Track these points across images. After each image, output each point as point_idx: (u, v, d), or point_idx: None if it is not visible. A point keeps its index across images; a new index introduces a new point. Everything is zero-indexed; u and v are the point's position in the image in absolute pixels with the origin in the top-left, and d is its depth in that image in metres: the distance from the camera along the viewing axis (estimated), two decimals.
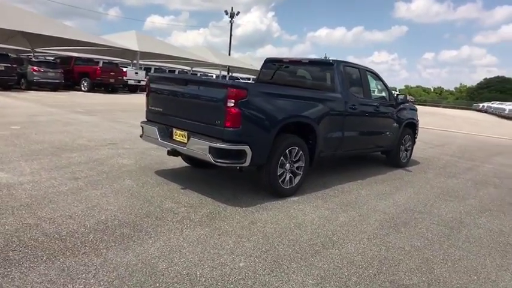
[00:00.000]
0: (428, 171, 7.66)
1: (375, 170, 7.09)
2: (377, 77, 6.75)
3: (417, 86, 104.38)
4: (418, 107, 9.07)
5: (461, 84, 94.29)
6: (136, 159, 6.23)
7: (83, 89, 22.34)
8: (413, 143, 7.98)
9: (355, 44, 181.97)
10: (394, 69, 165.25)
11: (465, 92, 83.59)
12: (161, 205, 4.23)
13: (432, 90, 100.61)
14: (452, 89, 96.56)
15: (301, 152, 4.94)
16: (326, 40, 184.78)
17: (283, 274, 2.99)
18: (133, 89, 26.34)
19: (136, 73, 25.98)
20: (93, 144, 7.15)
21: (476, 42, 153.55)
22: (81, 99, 17.52)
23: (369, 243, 3.72)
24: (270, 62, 6.65)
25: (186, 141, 4.63)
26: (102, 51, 29.49)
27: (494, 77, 74.32)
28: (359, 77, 6.15)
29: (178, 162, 6.17)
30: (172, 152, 4.79)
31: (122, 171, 5.45)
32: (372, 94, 6.76)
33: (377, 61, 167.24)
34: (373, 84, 6.47)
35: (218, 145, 4.17)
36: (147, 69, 28.66)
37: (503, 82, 69.99)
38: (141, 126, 5.30)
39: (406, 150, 7.67)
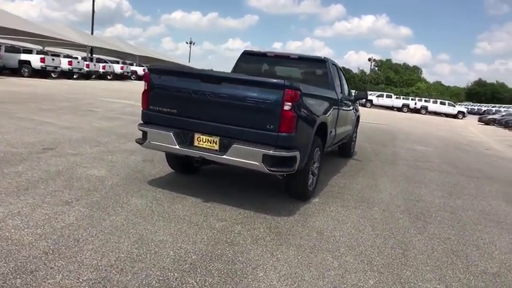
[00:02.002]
0: (372, 159, 8.43)
1: (335, 162, 7.44)
2: (343, 73, 7.03)
3: None
4: None
5: None
6: (106, 169, 5.12)
7: None
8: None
9: (211, 29, 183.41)
10: None
11: None
12: (213, 226, 3.61)
13: None
14: None
15: (319, 152, 4.85)
16: (181, 23, 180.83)
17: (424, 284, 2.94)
18: None
19: None
20: (24, 150, 5.57)
21: (316, 35, 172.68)
22: None
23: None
24: (249, 55, 6.21)
25: (216, 148, 4.03)
26: None
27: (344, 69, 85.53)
28: (337, 73, 6.30)
29: (156, 169, 5.36)
30: (201, 161, 4.08)
31: (107, 186, 4.42)
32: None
33: (232, 48, 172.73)
34: (343, 80, 6.71)
35: (274, 153, 3.75)
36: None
37: (346, 73, 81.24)
38: (143, 130, 4.33)
39: (354, 141, 8.27)
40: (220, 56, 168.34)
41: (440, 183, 6.70)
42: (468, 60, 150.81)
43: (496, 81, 78.85)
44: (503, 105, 52.62)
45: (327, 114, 4.99)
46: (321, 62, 5.80)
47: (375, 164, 7.82)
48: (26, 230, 3.10)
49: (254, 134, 3.85)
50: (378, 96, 41.16)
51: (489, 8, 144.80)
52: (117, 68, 32.63)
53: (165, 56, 58.50)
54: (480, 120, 33.73)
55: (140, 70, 37.41)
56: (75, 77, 26.35)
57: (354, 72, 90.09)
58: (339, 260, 3.22)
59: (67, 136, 6.90)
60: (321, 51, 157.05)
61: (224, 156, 3.91)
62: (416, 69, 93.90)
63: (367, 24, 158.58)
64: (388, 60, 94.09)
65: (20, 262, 2.63)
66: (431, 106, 40.65)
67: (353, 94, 7.55)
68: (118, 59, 38.17)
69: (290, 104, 3.72)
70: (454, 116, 39.24)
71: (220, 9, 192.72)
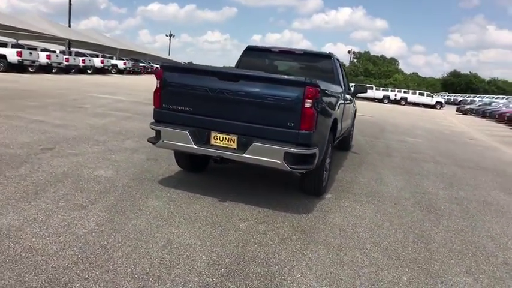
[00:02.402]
0: (369, 151, 8.53)
1: (336, 155, 7.47)
2: (343, 67, 7.04)
3: None
4: None
5: None
6: (112, 169, 4.97)
7: None
8: None
9: (189, 22, 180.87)
10: (227, 49, 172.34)
11: None
12: (237, 226, 3.56)
13: None
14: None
15: (330, 147, 4.85)
16: (159, 16, 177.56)
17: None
18: None
19: None
20: (21, 151, 5.34)
21: (294, 27, 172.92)
22: None
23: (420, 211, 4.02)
24: (252, 51, 6.12)
25: (234, 147, 3.97)
26: None
27: None
28: (339, 68, 6.30)
29: (163, 168, 5.25)
30: (220, 160, 4.00)
31: (119, 187, 4.29)
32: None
33: (211, 40, 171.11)
34: (344, 74, 6.70)
35: (295, 150, 3.71)
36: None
37: None
38: (156, 130, 4.21)
39: (351, 134, 8.33)
40: (199, 49, 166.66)
41: (439, 175, 6.84)
42: (442, 51, 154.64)
43: (470, 72, 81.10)
44: (478, 95, 54.18)
45: (337, 110, 4.99)
46: (327, 57, 5.78)
47: (373, 157, 7.90)
48: (47, 239, 2.97)
49: (274, 132, 3.80)
50: None
51: (460, 0, 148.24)
52: (97, 62, 31.69)
53: (146, 49, 57.42)
54: (458, 110, 34.68)
55: (121, 64, 36.56)
56: (53, 71, 25.46)
57: None
58: (368, 257, 3.24)
59: (62, 135, 6.66)
60: (300, 43, 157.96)
61: (244, 155, 3.85)
62: (393, 61, 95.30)
63: (344, 17, 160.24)
64: (367, 53, 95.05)
65: (51, 274, 2.52)
66: (411, 97, 41.47)
67: (351, 88, 7.59)
68: (97, 53, 37.12)
69: (311, 101, 3.69)
70: (432, 107, 40.20)
71: (198, 1, 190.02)
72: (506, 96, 43.49)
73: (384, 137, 11.57)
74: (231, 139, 3.97)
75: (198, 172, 5.18)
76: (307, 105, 3.68)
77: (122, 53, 43.17)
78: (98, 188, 4.21)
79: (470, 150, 10.76)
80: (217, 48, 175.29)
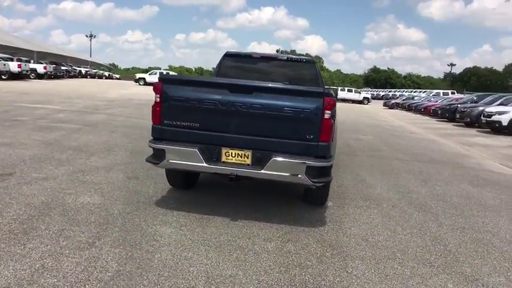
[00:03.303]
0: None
1: None
2: None
3: (180, 66, 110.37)
4: None
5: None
6: (96, 193, 4.44)
7: None
8: None
9: (107, 21, 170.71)
10: (149, 49, 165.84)
11: None
12: (266, 248, 3.35)
13: (194, 70, 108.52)
14: (211, 69, 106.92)
15: None
16: (73, 15, 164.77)
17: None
18: None
19: None
20: None
21: (219, 26, 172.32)
22: None
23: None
24: (232, 57, 5.86)
25: (248, 163, 3.75)
26: None
27: None
28: (319, 73, 6.31)
29: (151, 188, 4.84)
30: (236, 178, 3.72)
31: (116, 215, 3.84)
32: None
33: (131, 40, 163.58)
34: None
35: (317, 163, 3.60)
36: None
37: None
38: (159, 148, 3.80)
39: None
40: (119, 49, 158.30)
41: (408, 172, 7.20)
42: (359, 49, 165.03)
43: (388, 68, 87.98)
44: (397, 90, 58.85)
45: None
46: (310, 63, 5.76)
47: (342, 158, 8.06)
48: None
49: (292, 145, 3.65)
50: None
51: (373, 0, 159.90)
52: (13, 67, 28.52)
53: (65, 51, 53.25)
54: (385, 105, 37.30)
55: (41, 68, 33.41)
56: None
57: None
58: (406, 266, 3.25)
59: (15, 155, 5.83)
60: (225, 42, 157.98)
61: (263, 171, 3.64)
62: (318, 59, 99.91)
63: (267, 16, 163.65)
64: (293, 51, 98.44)
65: None
66: (340, 93, 43.53)
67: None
68: (10, 56, 33.48)
69: (329, 112, 3.61)
70: (360, 102, 42.72)
71: (116, 0, 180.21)
72: (423, 90, 47.76)
73: (339, 135, 11.93)
74: (245, 155, 3.74)
75: (188, 189, 4.84)
76: (326, 116, 3.60)
77: (40, 56, 39.61)
78: (93, 218, 3.71)
79: (417, 145, 11.54)
80: (139, 48, 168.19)
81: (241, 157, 3.74)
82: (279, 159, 3.60)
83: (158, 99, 3.80)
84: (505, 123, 14.67)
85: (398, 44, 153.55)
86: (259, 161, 3.70)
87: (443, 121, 21.45)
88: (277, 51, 76.35)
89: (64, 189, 4.49)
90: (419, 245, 3.73)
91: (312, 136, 3.62)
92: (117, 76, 60.03)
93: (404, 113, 29.42)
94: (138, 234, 3.42)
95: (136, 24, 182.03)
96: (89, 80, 42.45)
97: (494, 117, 15.06)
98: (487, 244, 3.92)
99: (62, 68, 40.45)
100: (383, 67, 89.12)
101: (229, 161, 3.76)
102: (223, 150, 3.75)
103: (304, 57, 6.08)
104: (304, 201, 4.66)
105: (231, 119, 3.71)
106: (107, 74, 56.82)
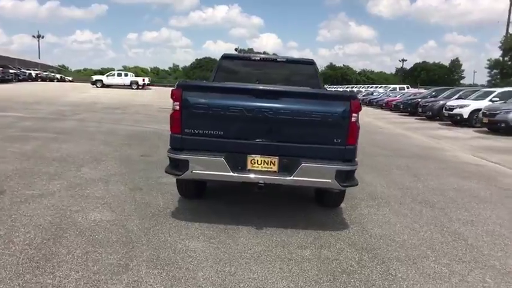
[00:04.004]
0: None
1: None
2: None
3: (135, 66, 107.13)
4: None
5: (173, 64, 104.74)
6: (106, 209, 4.18)
7: None
8: None
9: (53, 20, 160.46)
10: (100, 49, 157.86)
11: (181, 71, 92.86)
12: (304, 256, 3.30)
13: (149, 70, 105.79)
14: (167, 68, 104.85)
15: None
16: (14, 13, 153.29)
17: None
18: None
19: None
20: None
21: (172, 25, 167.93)
22: None
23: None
24: (230, 59, 5.72)
25: (275, 170, 3.67)
26: None
27: (207, 58, 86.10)
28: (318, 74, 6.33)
29: (160, 199, 4.65)
30: (264, 187, 3.62)
31: (136, 232, 3.63)
32: None
33: (80, 40, 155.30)
34: None
35: (346, 167, 3.60)
36: None
37: (210, 62, 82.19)
38: (182, 159, 3.61)
39: None
40: (67, 50, 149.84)
41: (397, 167, 7.42)
42: (313, 46, 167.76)
43: (343, 65, 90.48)
44: (354, 86, 60.73)
45: None
46: (310, 64, 5.74)
47: None
48: None
49: (321, 150, 3.62)
50: None
51: None
52: None
53: (10, 53, 49.91)
54: None
55: None
56: None
57: None
58: (441, 264, 3.32)
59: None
60: (179, 41, 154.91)
61: (292, 178, 3.58)
62: None
63: (221, 14, 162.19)
64: (250, 49, 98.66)
65: None
66: None
67: None
68: None
69: (356, 115, 3.61)
70: None
71: None
72: (379, 86, 49.58)
73: None
74: (271, 162, 3.65)
75: (199, 199, 4.67)
76: (353, 119, 3.60)
77: None
78: (114, 237, 3.47)
79: (393, 140, 11.94)
80: (89, 49, 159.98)
81: (267, 164, 3.66)
82: (309, 164, 3.56)
83: (178, 107, 3.62)
84: (465, 115, 15.58)
85: (350, 41, 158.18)
86: (286, 168, 3.64)
87: (405, 115, 22.39)
88: (236, 50, 76.27)
89: (68, 206, 4.17)
90: (442, 242, 3.84)
91: (339, 140, 3.61)
92: (70, 78, 57.03)
93: (365, 108, 30.33)
94: (170, 251, 3.24)
95: (85, 24, 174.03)
96: (41, 84, 40.06)
97: (456, 111, 15.95)
98: (501, 236, 4.10)
99: (11, 71, 37.87)
100: (338, 64, 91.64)
101: (255, 168, 3.66)
102: (249, 158, 3.65)
103: (303, 58, 6.05)
104: (318, 203, 4.64)
105: (257, 125, 3.62)
106: (58, 76, 53.87)
